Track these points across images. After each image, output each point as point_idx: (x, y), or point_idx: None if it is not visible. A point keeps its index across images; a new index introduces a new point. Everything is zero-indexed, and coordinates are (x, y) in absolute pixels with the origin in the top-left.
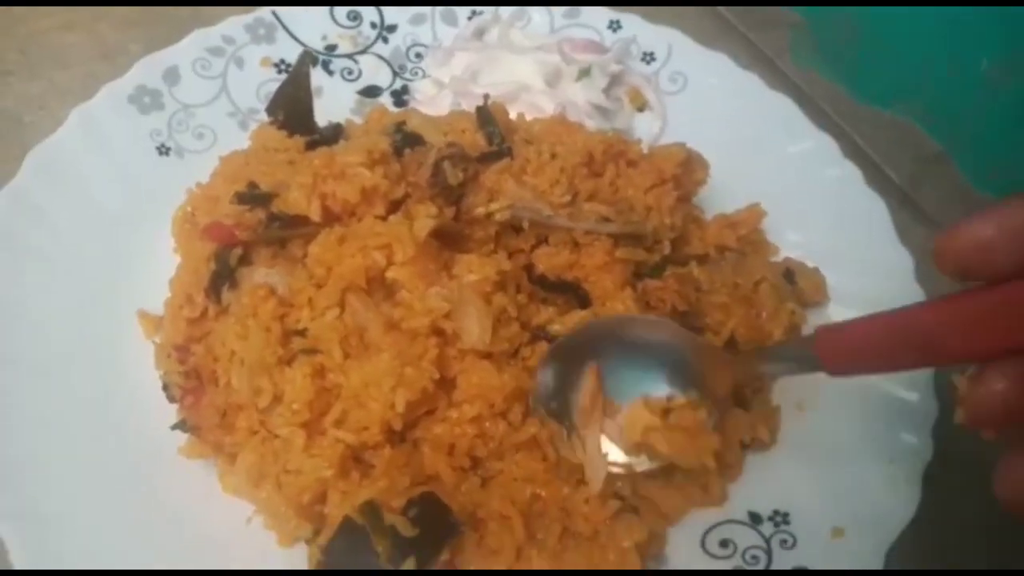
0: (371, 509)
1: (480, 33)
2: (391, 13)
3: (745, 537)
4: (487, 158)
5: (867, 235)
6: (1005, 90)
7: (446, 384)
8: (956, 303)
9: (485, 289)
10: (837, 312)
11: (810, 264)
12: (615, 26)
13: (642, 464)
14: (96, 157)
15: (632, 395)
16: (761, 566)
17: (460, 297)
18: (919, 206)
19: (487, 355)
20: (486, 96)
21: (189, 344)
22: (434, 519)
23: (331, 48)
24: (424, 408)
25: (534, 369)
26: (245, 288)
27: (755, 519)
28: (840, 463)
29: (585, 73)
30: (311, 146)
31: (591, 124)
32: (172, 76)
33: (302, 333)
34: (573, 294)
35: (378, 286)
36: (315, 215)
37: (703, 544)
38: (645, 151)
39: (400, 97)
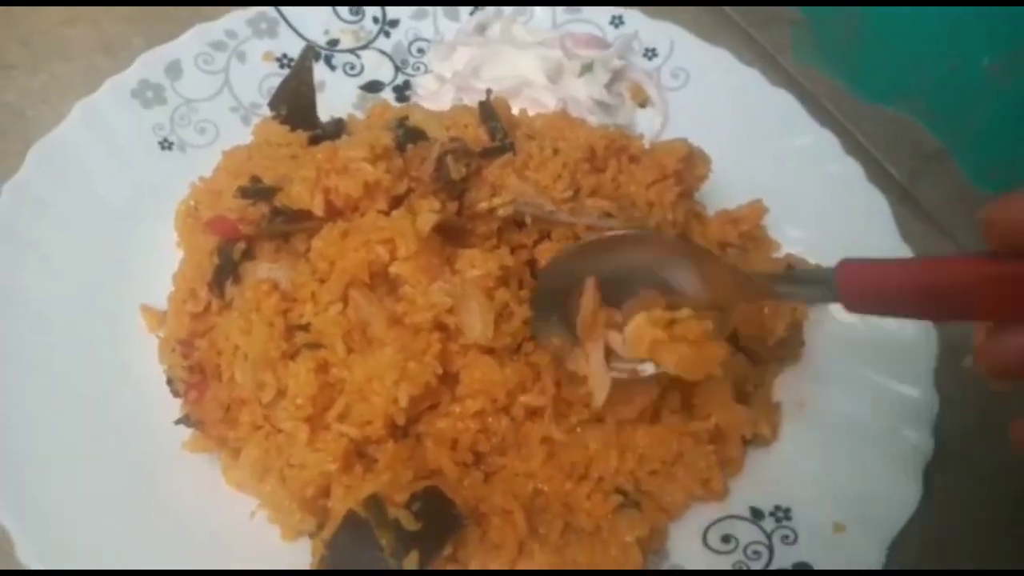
0: (375, 503)
1: (482, 28)
2: (393, 8)
3: (747, 533)
4: (489, 153)
5: (868, 231)
6: (1005, 88)
7: (449, 379)
8: (995, 264)
9: (488, 284)
10: (838, 308)
11: (811, 260)
12: (617, 22)
13: (647, 369)
14: (99, 151)
15: (634, 305)
16: (762, 562)
17: (463, 292)
18: (919, 202)
19: (489, 350)
20: (488, 91)
21: (193, 339)
22: (437, 513)
23: (333, 43)
24: (427, 403)
25: (536, 364)
26: (248, 282)
27: (756, 515)
28: (841, 459)
29: (587, 69)
30: (314, 141)
31: (593, 120)
32: (174, 70)
33: (305, 328)
34: None
35: (381, 281)
36: (318, 210)
37: (705, 539)
38: (647, 147)
39: (402, 92)
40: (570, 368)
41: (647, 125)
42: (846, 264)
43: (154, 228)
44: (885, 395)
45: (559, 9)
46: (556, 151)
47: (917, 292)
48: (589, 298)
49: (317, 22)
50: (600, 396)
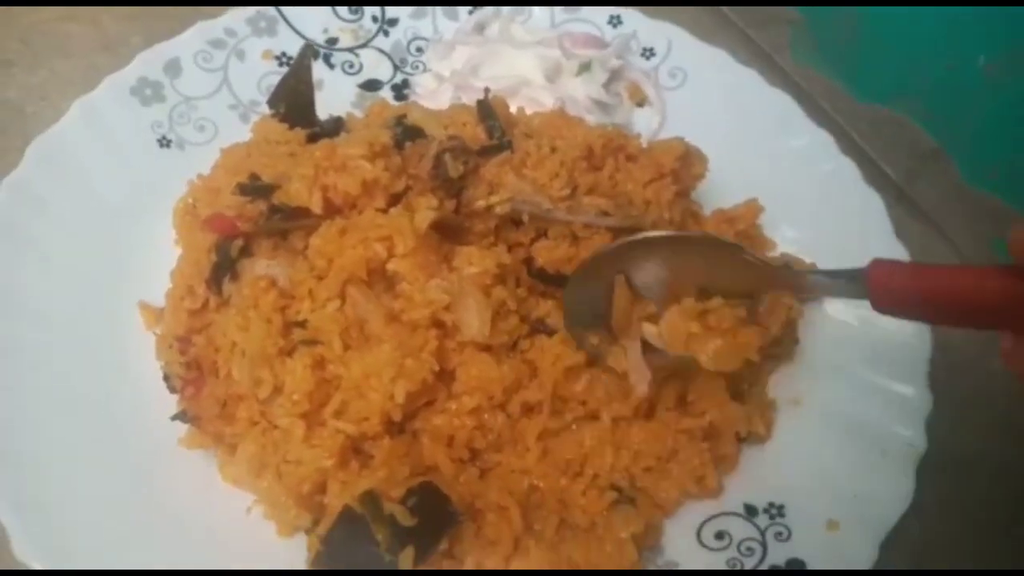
0: (371, 499)
1: (481, 27)
2: (392, 7)
3: (740, 529)
4: (487, 151)
5: (863, 230)
6: (1002, 88)
7: (445, 376)
8: (1021, 280)
9: (485, 282)
10: (833, 307)
11: (807, 259)
12: (615, 21)
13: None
14: (98, 149)
15: (666, 296)
16: (756, 558)
17: (460, 289)
18: (915, 202)
19: (486, 347)
20: (486, 90)
21: (190, 335)
22: (433, 509)
23: (332, 41)
24: (424, 399)
25: (532, 362)
26: (246, 279)
27: (750, 511)
28: (835, 456)
29: (585, 68)
30: (312, 139)
31: (591, 119)
32: (174, 68)
33: (303, 324)
34: None
35: (379, 278)
36: (316, 207)
37: (699, 536)
38: (644, 146)
39: (401, 91)
40: (610, 365)
41: (644, 124)
42: (878, 263)
43: (152, 225)
44: (879, 393)
45: (557, 9)
46: (554, 150)
47: (944, 299)
48: (621, 295)
49: (316, 21)
50: (642, 388)
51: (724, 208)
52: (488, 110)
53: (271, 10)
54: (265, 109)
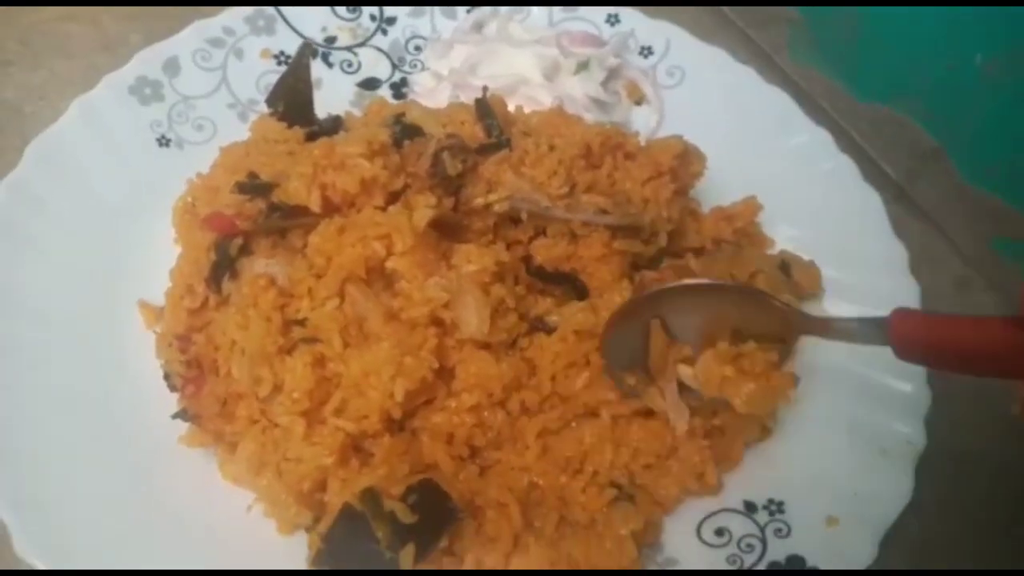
0: (371, 496)
1: (479, 26)
2: (390, 6)
3: (740, 526)
4: (486, 149)
5: (862, 228)
6: (1002, 88)
7: (445, 374)
8: None
9: (484, 279)
10: (832, 305)
11: (805, 257)
12: (613, 20)
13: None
14: (96, 148)
15: (701, 340)
16: (756, 554)
17: (459, 287)
18: (915, 201)
19: (485, 345)
20: (485, 88)
21: (190, 334)
22: (433, 506)
23: (331, 40)
24: (423, 397)
25: (532, 360)
26: (245, 278)
27: (750, 508)
28: (834, 453)
29: (583, 67)
30: (311, 137)
31: (589, 117)
32: (172, 67)
33: (302, 323)
34: (570, 285)
35: (377, 276)
36: (315, 205)
37: (699, 533)
38: (642, 144)
39: (399, 89)
40: (646, 403)
41: (643, 123)
42: (900, 314)
43: (151, 224)
44: (878, 390)
45: (555, 7)
46: (552, 148)
47: (963, 349)
48: (657, 338)
49: (315, 19)
50: (681, 426)
51: (723, 206)
52: (486, 108)
53: (269, 9)
54: (264, 108)
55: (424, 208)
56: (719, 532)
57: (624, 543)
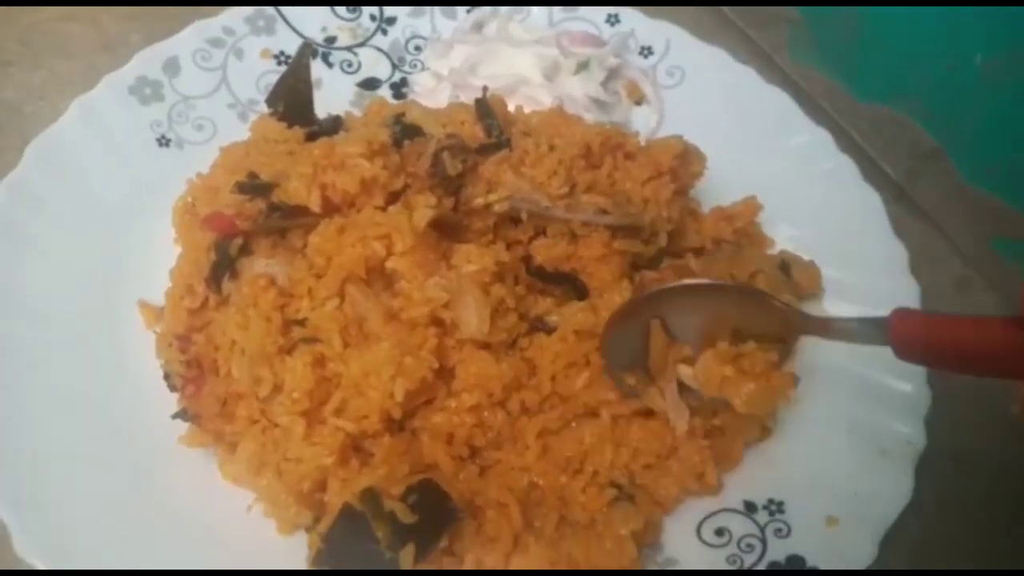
0: (371, 496)
1: (479, 26)
2: (390, 6)
3: (740, 526)
4: (486, 149)
5: (862, 228)
6: (1002, 88)
7: (445, 374)
8: None
9: (484, 279)
10: (832, 304)
11: (805, 257)
12: (613, 20)
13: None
14: (96, 148)
15: (702, 340)
16: (756, 555)
17: (459, 287)
18: (915, 201)
19: (485, 345)
20: (485, 88)
21: (190, 334)
22: (433, 506)
23: (331, 40)
24: (423, 397)
25: (531, 360)
26: (245, 278)
27: (750, 508)
28: (834, 453)
29: (583, 67)
30: (311, 137)
31: (589, 117)
32: (172, 67)
33: (302, 323)
34: (570, 285)
35: (377, 276)
36: (315, 205)
37: (699, 533)
38: (642, 144)
39: (399, 89)
40: (646, 403)
41: (643, 123)
42: (899, 313)
43: (151, 224)
44: (878, 390)
45: (555, 7)
46: (552, 148)
47: (961, 349)
48: (657, 338)
49: (315, 19)
50: (681, 426)
51: (723, 206)
52: (486, 108)
53: (269, 9)
54: (264, 108)
55: (424, 208)
56: (719, 532)
57: (624, 543)
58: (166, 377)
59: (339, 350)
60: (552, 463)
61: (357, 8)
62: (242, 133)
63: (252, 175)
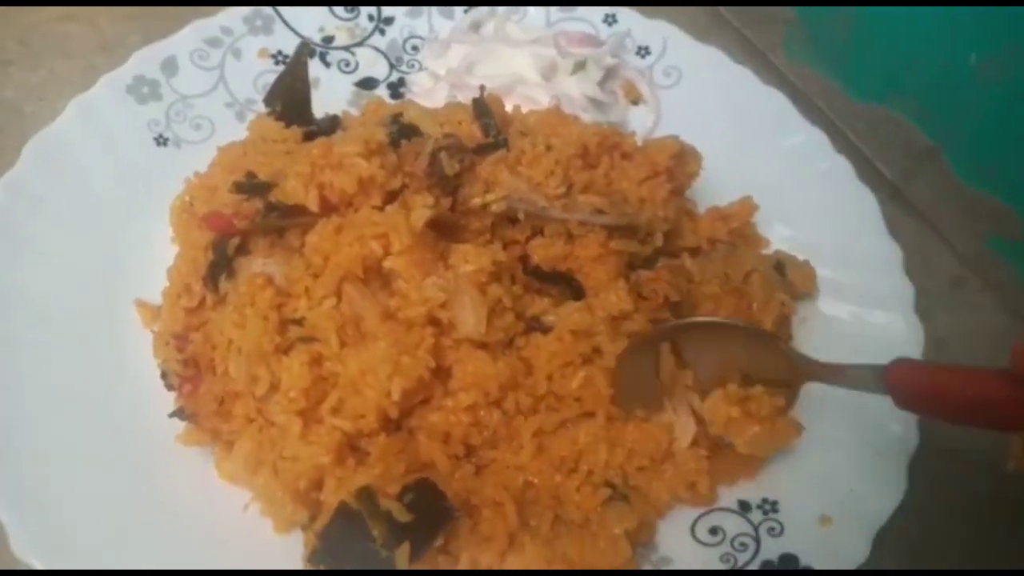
0: (367, 494)
1: (476, 26)
2: (388, 6)
3: (734, 525)
4: (483, 149)
5: (857, 228)
6: (996, 86)
7: (442, 373)
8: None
9: (481, 279)
10: (827, 304)
11: (800, 257)
12: (610, 20)
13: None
14: (95, 147)
15: (713, 377)
16: (749, 553)
17: (456, 287)
18: (910, 200)
19: (482, 345)
20: (482, 88)
21: (187, 332)
22: (429, 505)
23: (328, 40)
24: (420, 396)
25: (528, 359)
26: (243, 277)
27: (744, 507)
28: (828, 453)
29: (580, 67)
30: (308, 137)
31: (586, 117)
32: (170, 67)
33: (299, 322)
34: (567, 285)
35: (375, 275)
36: (313, 205)
37: (693, 532)
38: (639, 144)
39: (397, 89)
40: (654, 419)
41: (639, 123)
42: (899, 363)
43: (149, 223)
44: None
45: (553, 8)
46: (549, 148)
47: (954, 399)
48: (667, 361)
49: (312, 19)
50: (685, 440)
51: (719, 206)
52: (484, 108)
53: (267, 9)
54: (261, 107)
55: (421, 208)
56: (713, 531)
57: (618, 542)
58: (163, 376)
59: (336, 349)
60: (547, 462)
61: (355, 8)
62: (240, 132)
63: (250, 174)
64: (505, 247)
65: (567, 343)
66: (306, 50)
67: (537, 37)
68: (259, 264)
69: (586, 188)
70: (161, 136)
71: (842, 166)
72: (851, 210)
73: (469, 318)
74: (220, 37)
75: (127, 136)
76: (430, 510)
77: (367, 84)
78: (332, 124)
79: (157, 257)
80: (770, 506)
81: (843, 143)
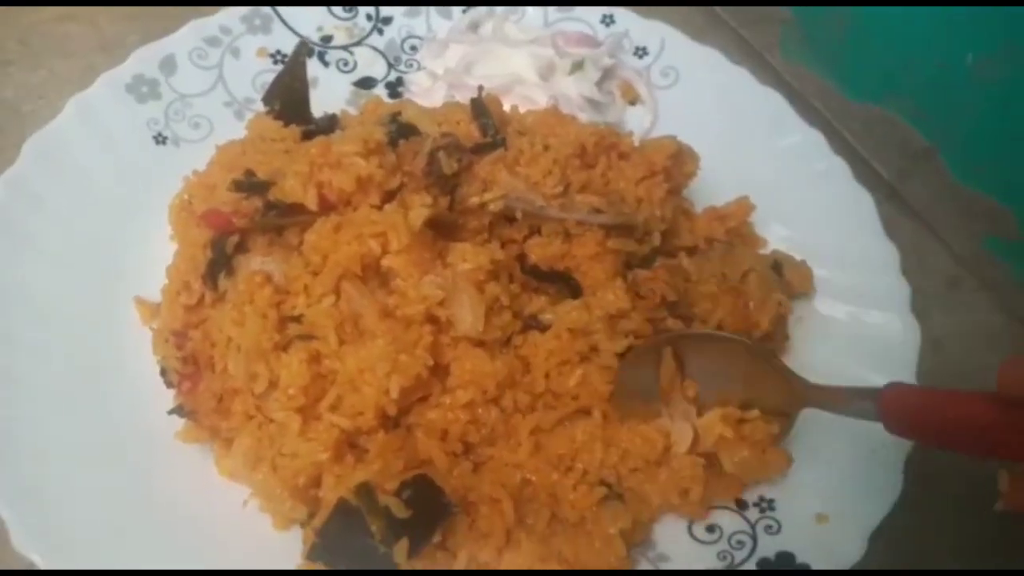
0: (365, 491)
1: (475, 26)
2: (386, 6)
3: (731, 523)
4: (481, 149)
5: (854, 229)
6: (992, 87)
7: (439, 371)
8: (1007, 410)
9: (478, 278)
10: (824, 304)
11: (797, 257)
12: (608, 20)
13: None
14: (94, 146)
15: (710, 388)
16: (746, 551)
17: (454, 285)
18: (906, 201)
19: (480, 343)
20: (480, 88)
21: (186, 330)
22: (427, 501)
23: (327, 39)
24: (418, 394)
25: (525, 357)
26: (242, 275)
27: (741, 505)
28: (824, 451)
29: (578, 67)
30: (307, 136)
31: (583, 117)
32: (169, 66)
33: (298, 319)
34: (564, 284)
35: (373, 274)
36: (311, 204)
37: (690, 529)
38: (636, 144)
39: (395, 89)
40: (652, 423)
41: (637, 123)
42: (890, 387)
43: (148, 222)
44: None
45: (550, 8)
46: (547, 147)
47: (953, 429)
48: (667, 366)
49: (311, 19)
50: (683, 446)
51: (716, 206)
52: (482, 108)
53: (266, 8)
54: (260, 106)
55: (420, 207)
56: (710, 529)
57: (613, 542)
58: (163, 373)
59: (335, 347)
60: (544, 460)
61: (353, 8)
62: (238, 131)
63: (248, 173)
64: (503, 246)
65: (564, 341)
66: (304, 49)
67: (535, 37)
68: (258, 262)
69: (584, 188)
70: (160, 135)
71: (839, 166)
72: (848, 210)
73: (467, 316)
74: (219, 36)
75: (126, 135)
76: (428, 506)
77: (365, 83)
78: (330, 123)
79: (156, 255)
80: (767, 504)
81: (839, 143)
